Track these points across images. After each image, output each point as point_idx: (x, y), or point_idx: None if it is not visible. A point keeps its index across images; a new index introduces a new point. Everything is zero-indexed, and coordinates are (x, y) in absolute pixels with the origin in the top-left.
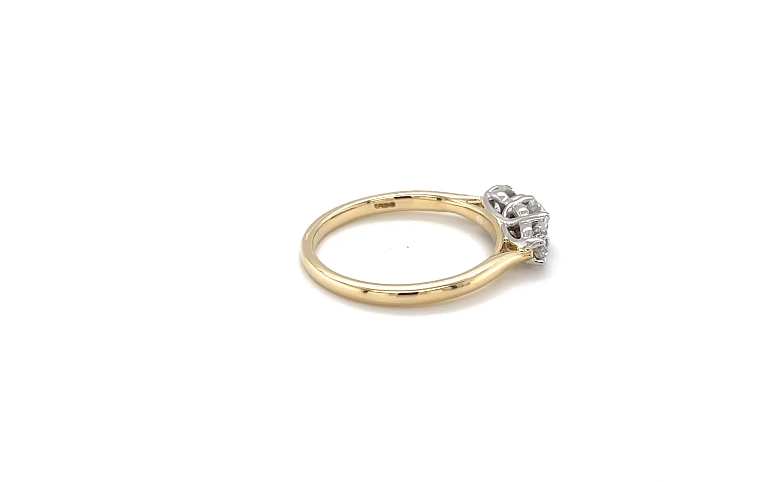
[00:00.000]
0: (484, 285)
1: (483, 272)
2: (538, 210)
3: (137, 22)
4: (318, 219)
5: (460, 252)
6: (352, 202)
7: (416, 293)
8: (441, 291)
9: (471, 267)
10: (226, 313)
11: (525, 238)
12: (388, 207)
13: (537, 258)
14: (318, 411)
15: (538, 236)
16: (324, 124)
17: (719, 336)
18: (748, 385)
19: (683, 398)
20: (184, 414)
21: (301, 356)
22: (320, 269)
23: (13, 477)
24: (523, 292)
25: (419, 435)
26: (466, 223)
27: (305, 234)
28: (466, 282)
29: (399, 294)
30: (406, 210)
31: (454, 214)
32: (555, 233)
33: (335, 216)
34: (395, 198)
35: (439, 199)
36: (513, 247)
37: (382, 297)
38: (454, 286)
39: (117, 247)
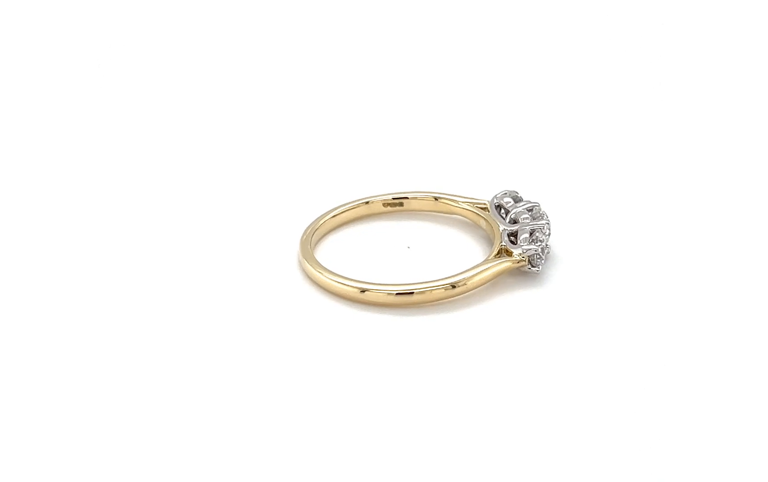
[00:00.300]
0: (473, 289)
1: (474, 276)
2: (540, 217)
3: (136, 22)
4: (317, 219)
5: (459, 256)
6: (351, 202)
7: (412, 293)
8: (437, 291)
9: (461, 271)
10: (221, 312)
11: (521, 244)
12: (396, 206)
13: (532, 266)
14: (314, 411)
15: (535, 243)
16: (337, 124)
17: (716, 345)
18: (745, 404)
19: (673, 402)
20: (180, 413)
21: (298, 357)
22: (318, 269)
23: (13, 477)
24: (516, 298)
25: (416, 435)
26: (472, 226)
27: (304, 234)
28: (462, 282)
29: (396, 293)
30: (414, 210)
31: (460, 217)
32: (560, 241)
33: (335, 215)
34: (393, 199)
35: (436, 199)
36: (509, 253)
37: (379, 297)
38: (453, 286)
39: (115, 247)
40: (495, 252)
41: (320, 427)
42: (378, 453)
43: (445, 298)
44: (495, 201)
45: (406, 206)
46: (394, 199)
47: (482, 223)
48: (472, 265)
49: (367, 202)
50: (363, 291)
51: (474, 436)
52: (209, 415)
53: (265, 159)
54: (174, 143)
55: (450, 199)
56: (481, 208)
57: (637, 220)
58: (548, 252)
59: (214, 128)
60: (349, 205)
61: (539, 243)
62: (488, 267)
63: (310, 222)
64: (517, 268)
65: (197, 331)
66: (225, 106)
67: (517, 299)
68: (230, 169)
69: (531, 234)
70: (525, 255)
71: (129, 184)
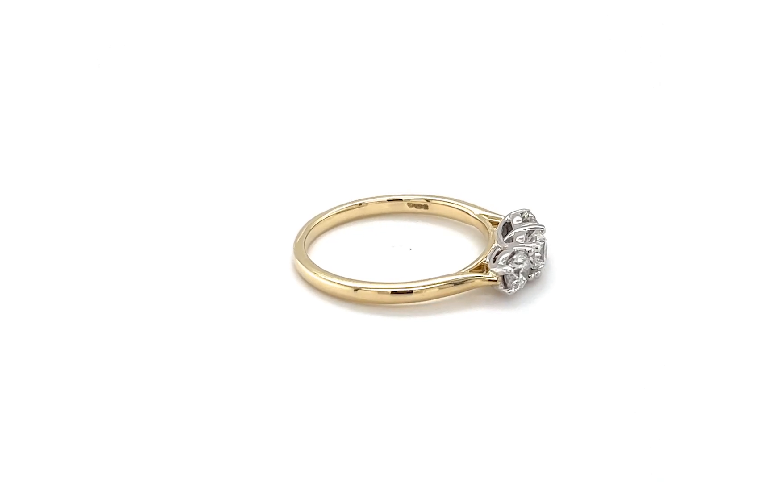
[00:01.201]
0: (429, 299)
1: (433, 287)
2: (533, 241)
3: (136, 22)
4: (311, 220)
5: (457, 261)
6: (348, 202)
7: (412, 291)
8: (431, 290)
9: (426, 278)
10: (212, 313)
11: (498, 263)
12: (420, 208)
13: (506, 287)
14: (307, 410)
15: (510, 265)
16: (355, 124)
17: (697, 372)
18: (741, 428)
19: (641, 418)
20: (172, 415)
21: (293, 358)
22: (312, 269)
23: (13, 477)
24: (484, 315)
25: (411, 435)
26: (482, 237)
27: (297, 235)
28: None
29: (391, 292)
30: (436, 214)
31: (473, 227)
32: (567, 265)
33: (334, 215)
34: (388, 201)
35: (428, 200)
36: (487, 270)
37: (373, 296)
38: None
39: (108, 248)
40: (474, 266)
41: (312, 427)
42: (372, 452)
43: (442, 296)
44: (507, 218)
45: (430, 209)
46: (389, 200)
47: (487, 235)
48: (435, 275)
49: (360, 204)
50: (356, 289)
51: (465, 436)
52: (201, 416)
53: (262, 159)
54: (169, 144)
55: (466, 208)
56: (493, 223)
57: (652, 263)
58: (535, 277)
59: (210, 129)
60: (346, 206)
61: (517, 266)
62: (451, 281)
63: (304, 223)
64: (491, 287)
65: (190, 330)
66: (220, 107)
67: (485, 316)
68: (226, 169)
69: (512, 255)
70: (498, 274)
71: (124, 184)
